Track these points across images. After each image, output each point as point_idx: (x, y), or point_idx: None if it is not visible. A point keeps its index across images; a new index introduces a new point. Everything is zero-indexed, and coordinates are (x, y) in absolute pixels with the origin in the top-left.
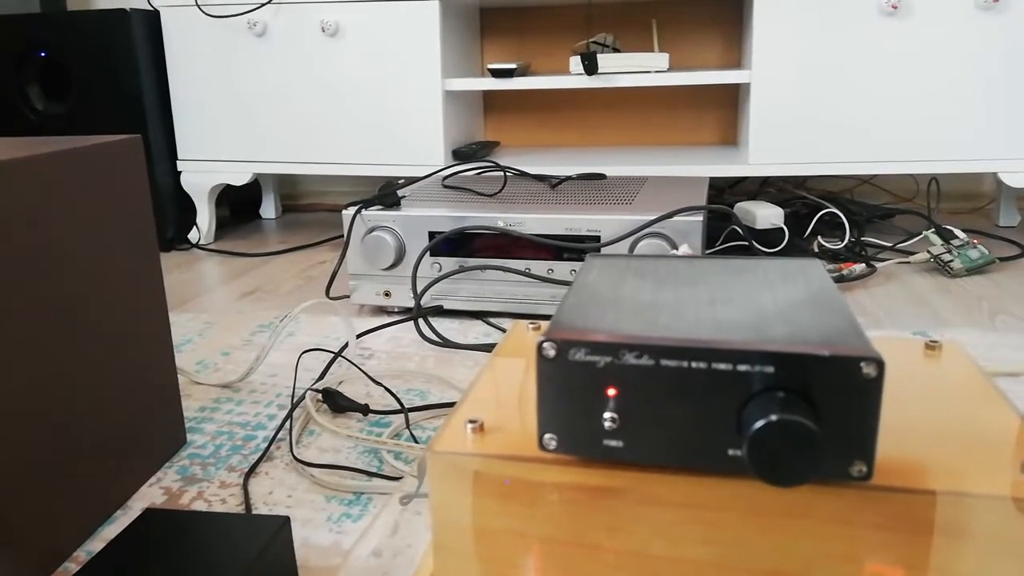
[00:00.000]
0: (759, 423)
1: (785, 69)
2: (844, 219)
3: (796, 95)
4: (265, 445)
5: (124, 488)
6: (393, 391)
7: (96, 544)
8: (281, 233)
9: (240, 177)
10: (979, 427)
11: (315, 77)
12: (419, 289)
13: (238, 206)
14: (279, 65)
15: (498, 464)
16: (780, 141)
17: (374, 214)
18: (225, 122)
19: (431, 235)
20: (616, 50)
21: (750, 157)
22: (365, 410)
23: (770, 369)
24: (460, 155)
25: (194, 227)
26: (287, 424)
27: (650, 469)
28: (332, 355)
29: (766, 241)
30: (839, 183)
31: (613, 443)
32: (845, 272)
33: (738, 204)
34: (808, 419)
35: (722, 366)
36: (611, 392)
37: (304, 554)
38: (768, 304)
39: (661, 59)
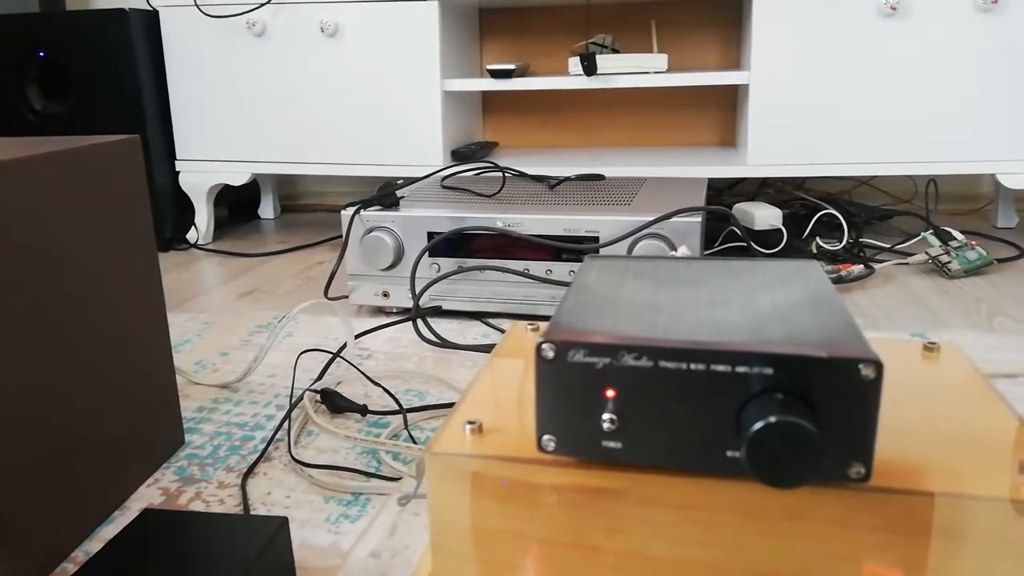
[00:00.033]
0: (758, 425)
1: (784, 70)
2: (842, 220)
3: (795, 96)
4: (263, 446)
5: (122, 488)
6: (391, 392)
7: (94, 545)
8: (280, 233)
9: (239, 177)
10: (977, 428)
11: (314, 77)
12: (418, 290)
13: (237, 206)
14: (278, 65)
15: (497, 465)
16: (779, 142)
17: (373, 214)
18: (224, 122)
19: (430, 235)
20: (615, 51)
21: (749, 158)
22: (363, 411)
23: (769, 371)
24: (459, 156)
25: (192, 227)
26: (285, 424)
27: (649, 470)
28: (330, 355)
29: (764, 242)
30: (837, 184)
31: (612, 444)
32: (843, 273)
33: (736, 205)
34: (807, 421)
35: (721, 368)
36: (610, 393)
37: (302, 555)
38: (766, 306)
39: (660, 60)
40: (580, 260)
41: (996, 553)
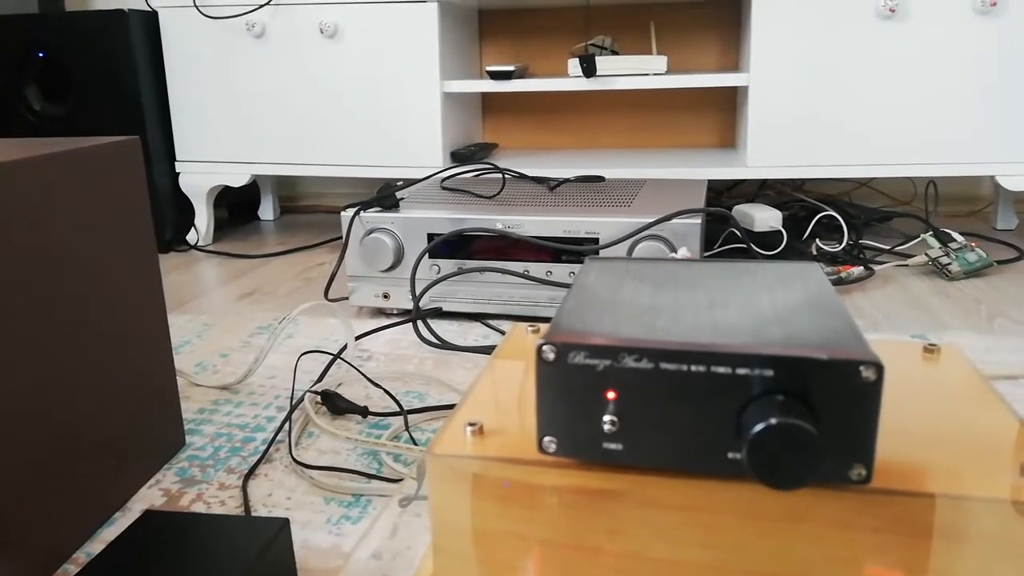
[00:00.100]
0: (758, 426)
1: (783, 72)
2: (842, 222)
3: (794, 98)
4: (264, 447)
5: (123, 490)
6: (392, 393)
7: (95, 546)
8: (280, 234)
9: (238, 178)
10: (978, 430)
11: (313, 78)
12: (418, 291)
13: (236, 207)
14: (278, 66)
15: (497, 467)
16: (778, 144)
17: (373, 216)
18: (223, 123)
19: (430, 237)
20: (614, 52)
21: (748, 160)
22: (364, 412)
23: (769, 372)
24: (459, 157)
25: (192, 228)
26: (286, 426)
27: (649, 472)
28: (331, 357)
29: (764, 244)
30: (837, 186)
31: (612, 446)
32: (843, 275)
33: (736, 207)
34: (807, 422)
35: (721, 369)
36: (610, 395)
37: (303, 556)
38: (767, 308)
39: (659, 61)
40: (580, 262)
41: (997, 555)
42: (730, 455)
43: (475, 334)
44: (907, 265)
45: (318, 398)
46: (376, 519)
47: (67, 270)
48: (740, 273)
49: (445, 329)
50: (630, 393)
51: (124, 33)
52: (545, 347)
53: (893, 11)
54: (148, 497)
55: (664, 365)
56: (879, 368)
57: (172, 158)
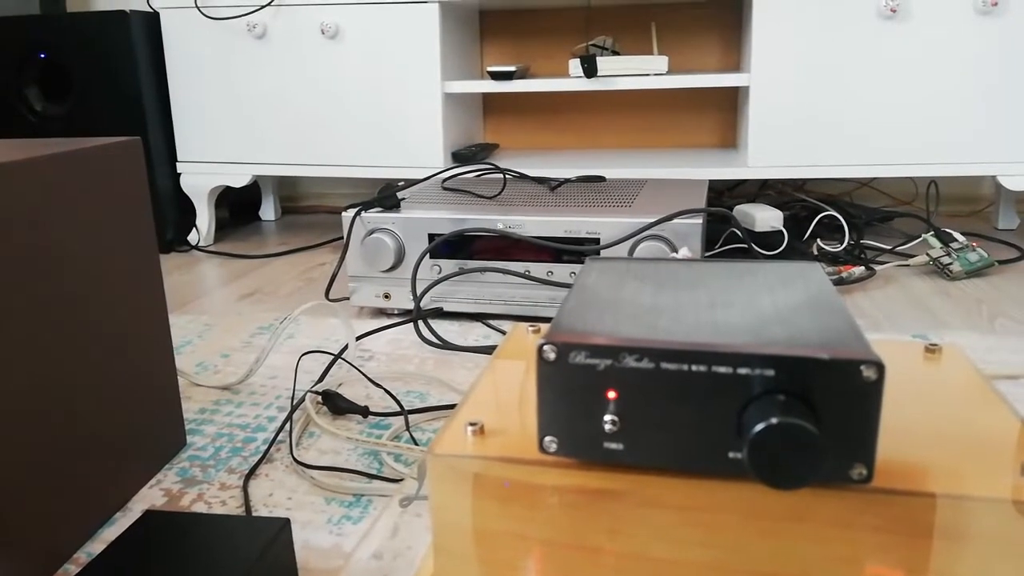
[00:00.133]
0: (759, 426)
1: (784, 72)
2: (843, 222)
3: (795, 98)
4: (265, 447)
5: (124, 490)
6: (393, 393)
7: (96, 546)
8: (281, 235)
9: (240, 179)
10: (979, 430)
11: (315, 79)
12: (419, 291)
13: (238, 208)
14: (279, 67)
15: (498, 466)
16: (779, 144)
17: (374, 216)
18: (225, 124)
19: (431, 237)
20: (615, 53)
21: (749, 160)
22: (365, 412)
23: (770, 372)
24: (460, 157)
25: (194, 229)
26: (287, 426)
27: (650, 472)
28: (332, 357)
29: (765, 244)
30: (838, 186)
31: (613, 446)
32: (844, 275)
33: (737, 207)
34: (808, 422)
35: (722, 369)
36: (611, 395)
37: (304, 556)
38: (768, 307)
39: (660, 62)
40: (581, 262)
41: (998, 554)
42: (731, 455)
43: (476, 334)
44: (908, 265)
45: (319, 398)
46: (377, 519)
47: (68, 270)
48: (741, 273)
49: (446, 329)
50: (631, 393)
51: (125, 34)
52: (546, 347)
53: (894, 11)
54: (149, 497)
55: (665, 365)
56: (880, 368)
57: (173, 158)
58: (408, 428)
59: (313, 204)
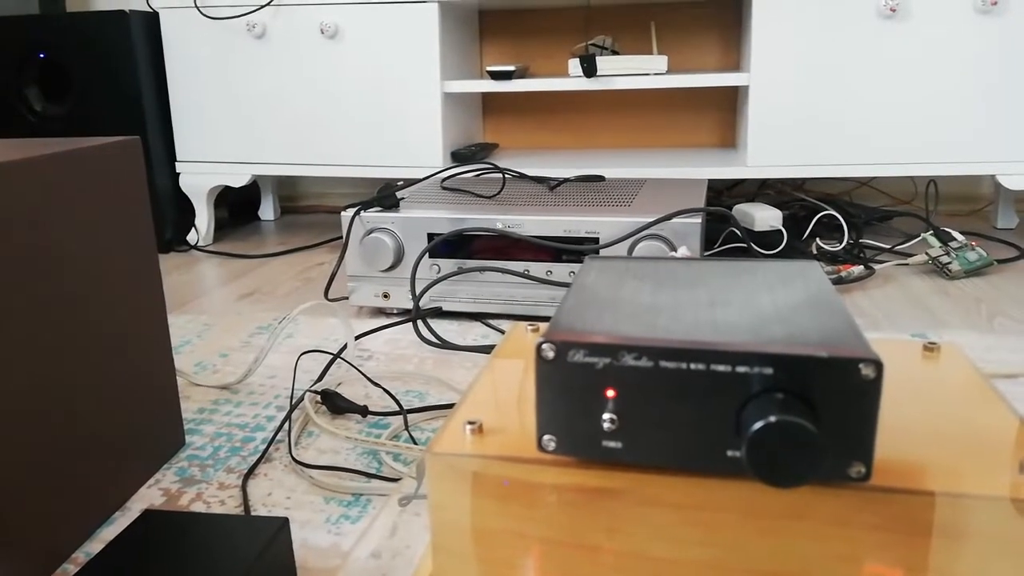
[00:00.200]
0: (758, 424)
1: (784, 71)
2: (842, 221)
3: (795, 97)
4: (264, 446)
5: (123, 489)
6: (392, 392)
7: (95, 545)
8: (280, 235)
9: (239, 179)
10: (977, 428)
11: (314, 79)
12: (418, 291)
13: (237, 208)
14: (278, 67)
15: (497, 465)
16: (779, 143)
17: (373, 216)
18: (224, 124)
19: (430, 237)
20: (615, 52)
21: (749, 159)
22: (364, 411)
23: (769, 370)
24: (459, 157)
25: (193, 229)
26: (286, 425)
27: (649, 470)
28: (331, 356)
29: (764, 243)
30: (837, 185)
31: (612, 444)
32: (843, 274)
33: (736, 206)
34: (807, 420)
35: (721, 368)
36: (610, 393)
37: (303, 555)
38: (767, 306)
39: (660, 61)
40: (580, 261)
41: (996, 552)
42: (730, 453)
43: (475, 333)
44: (907, 264)
45: (318, 397)
46: (375, 518)
47: (67, 270)
48: (740, 272)
49: (445, 329)
50: (630, 391)
51: (125, 34)
52: (545, 345)
53: (894, 11)
54: (148, 497)
55: (664, 363)
56: (878, 366)
57: (172, 158)
58: (407, 427)
59: (312, 204)
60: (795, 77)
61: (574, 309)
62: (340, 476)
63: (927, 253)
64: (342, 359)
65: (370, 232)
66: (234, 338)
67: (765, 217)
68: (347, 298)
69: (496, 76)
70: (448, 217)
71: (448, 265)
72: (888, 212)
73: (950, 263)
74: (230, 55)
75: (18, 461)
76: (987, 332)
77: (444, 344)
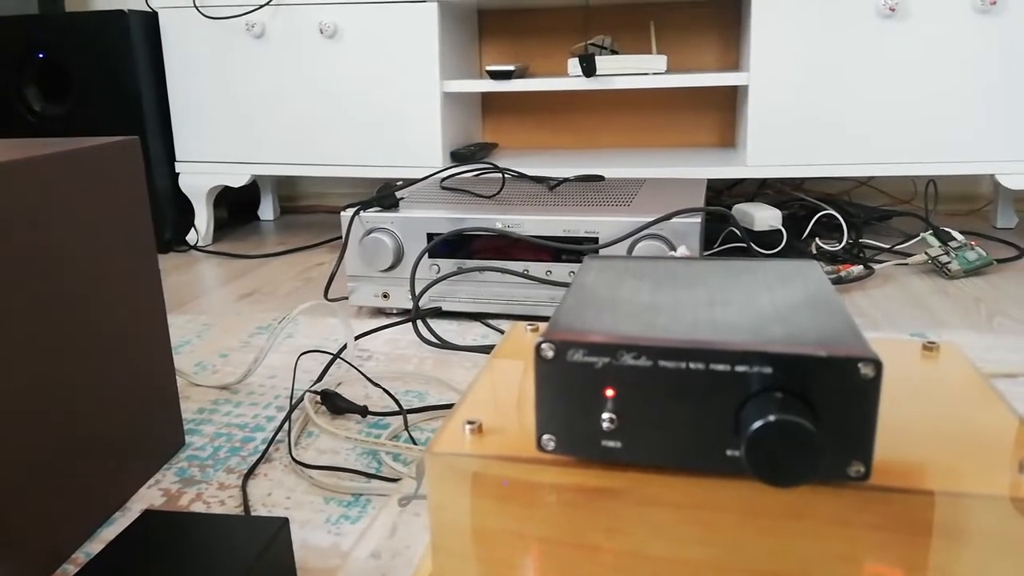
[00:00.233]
0: (757, 424)
1: (783, 71)
2: (842, 221)
3: (794, 97)
4: (264, 447)
5: (123, 489)
6: (392, 392)
7: (95, 546)
8: (279, 235)
9: (238, 179)
10: (977, 428)
11: (313, 78)
12: (417, 291)
13: (236, 207)
14: (277, 67)
15: (496, 465)
16: (778, 143)
17: (372, 216)
18: (223, 124)
19: (429, 237)
20: (614, 52)
21: (748, 159)
22: (364, 412)
23: (768, 370)
24: (458, 157)
25: (192, 229)
26: (286, 426)
27: (648, 470)
28: (331, 357)
29: (764, 243)
30: (837, 185)
31: (611, 444)
32: (843, 274)
33: (736, 206)
34: (806, 420)
35: (720, 367)
36: (609, 393)
37: (303, 555)
38: (766, 305)
39: (659, 61)
40: (580, 261)
41: (996, 552)
42: (729, 452)
43: (474, 333)
44: (907, 264)
45: (318, 398)
46: (375, 518)
47: (67, 270)
48: (740, 271)
49: (445, 329)
50: (629, 391)
51: (124, 33)
52: (544, 345)
53: (893, 10)
54: (148, 497)
55: (663, 363)
56: (878, 365)
57: (172, 158)
58: (407, 427)
59: (312, 204)
60: (795, 77)
61: (573, 309)
62: (340, 476)
63: (926, 253)
64: (342, 359)
65: (370, 232)
66: (234, 338)
67: (764, 217)
68: (347, 298)
69: (495, 76)
70: (448, 217)
71: (448, 265)
72: (887, 212)
73: (949, 263)
74: (229, 55)
75: (18, 461)
76: (986, 332)
77: (444, 344)
